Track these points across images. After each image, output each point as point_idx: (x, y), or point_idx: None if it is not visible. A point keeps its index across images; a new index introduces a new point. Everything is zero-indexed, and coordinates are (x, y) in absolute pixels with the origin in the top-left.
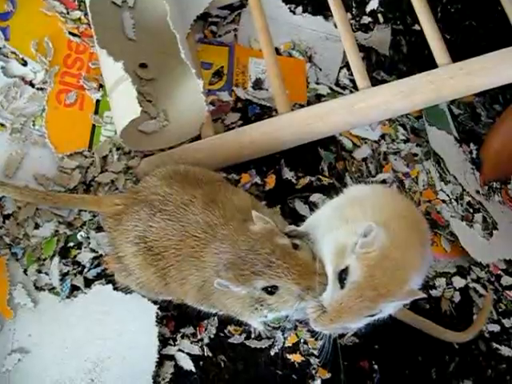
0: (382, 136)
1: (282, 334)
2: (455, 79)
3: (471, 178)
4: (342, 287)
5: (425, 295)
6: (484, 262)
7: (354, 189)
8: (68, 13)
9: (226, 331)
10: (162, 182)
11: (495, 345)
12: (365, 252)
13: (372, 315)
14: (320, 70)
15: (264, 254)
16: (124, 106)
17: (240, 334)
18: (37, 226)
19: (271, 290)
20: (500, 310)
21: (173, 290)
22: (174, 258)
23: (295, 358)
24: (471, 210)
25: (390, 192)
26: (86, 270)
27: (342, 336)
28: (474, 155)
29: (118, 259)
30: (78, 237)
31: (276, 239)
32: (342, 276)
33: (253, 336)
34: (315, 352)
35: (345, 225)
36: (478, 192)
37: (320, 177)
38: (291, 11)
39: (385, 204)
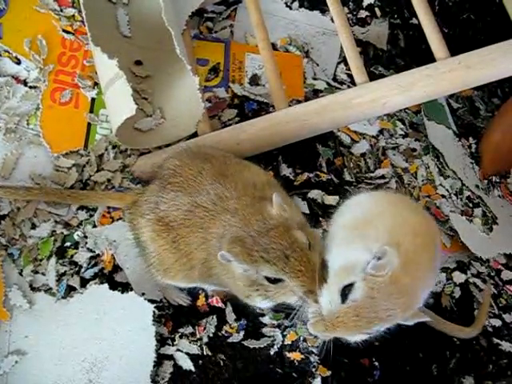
0: (381, 131)
1: (281, 333)
2: (453, 73)
3: (470, 172)
4: (343, 302)
5: (429, 318)
6: (484, 256)
7: (368, 200)
8: (62, 10)
9: (224, 330)
10: (173, 157)
11: (496, 340)
12: (374, 274)
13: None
14: (317, 65)
15: (280, 245)
16: (119, 103)
17: (238, 333)
18: (33, 227)
19: (274, 280)
20: (500, 304)
21: (182, 265)
22: (184, 230)
23: (295, 356)
24: (471, 205)
25: (406, 205)
26: (83, 269)
27: None
28: (473, 149)
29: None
30: (75, 236)
31: (294, 233)
32: (345, 291)
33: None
34: (315, 350)
35: (358, 241)
36: (477, 186)
37: (318, 173)
38: (287, 6)
39: (400, 221)
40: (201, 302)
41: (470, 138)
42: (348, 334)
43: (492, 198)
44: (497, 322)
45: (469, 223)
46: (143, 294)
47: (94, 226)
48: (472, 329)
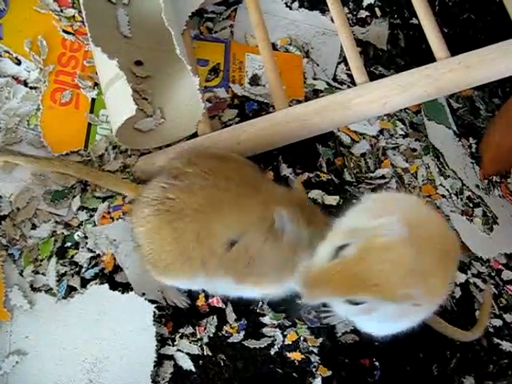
0: (381, 131)
1: (282, 333)
2: (454, 73)
3: (471, 172)
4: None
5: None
6: (485, 256)
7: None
8: (62, 11)
9: (224, 330)
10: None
11: (496, 340)
12: (374, 235)
13: (356, 303)
14: (317, 65)
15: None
16: (119, 104)
17: (239, 333)
18: (34, 227)
19: None
20: (501, 304)
21: (190, 255)
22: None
23: (295, 356)
24: (471, 205)
25: (433, 214)
26: (83, 270)
27: (343, 334)
28: (473, 149)
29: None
30: (75, 237)
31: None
32: (339, 251)
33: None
34: (315, 350)
35: (369, 213)
36: (477, 186)
37: (318, 173)
38: (287, 6)
39: (420, 216)
40: (201, 302)
41: (471, 138)
42: (330, 294)
43: (492, 198)
44: (497, 322)
45: (469, 223)
46: (143, 294)
47: (94, 226)
48: (473, 332)
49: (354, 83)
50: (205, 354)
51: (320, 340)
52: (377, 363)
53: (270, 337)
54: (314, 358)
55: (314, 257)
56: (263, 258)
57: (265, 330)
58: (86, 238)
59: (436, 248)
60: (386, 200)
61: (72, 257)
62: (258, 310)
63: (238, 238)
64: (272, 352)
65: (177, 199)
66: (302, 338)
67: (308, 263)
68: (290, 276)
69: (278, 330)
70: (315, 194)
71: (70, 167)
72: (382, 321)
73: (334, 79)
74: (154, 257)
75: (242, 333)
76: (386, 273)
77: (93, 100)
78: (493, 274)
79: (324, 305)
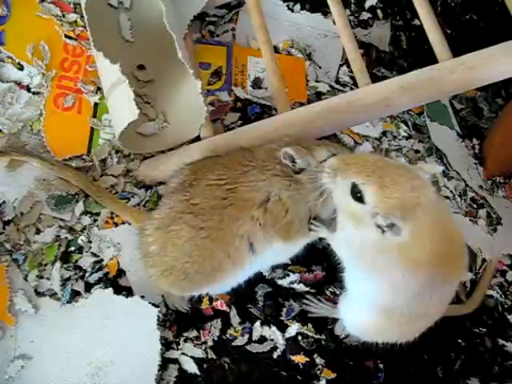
0: (384, 133)
1: (283, 336)
2: (456, 74)
3: (474, 173)
4: None
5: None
6: (489, 257)
7: None
8: (64, 16)
9: (229, 333)
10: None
11: (501, 341)
12: None
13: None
14: (320, 67)
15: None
16: (122, 108)
17: (243, 336)
18: (38, 232)
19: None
20: (506, 306)
21: (235, 245)
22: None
23: (299, 359)
24: (475, 206)
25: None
26: (87, 274)
27: (346, 336)
28: (476, 150)
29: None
30: (79, 241)
31: None
32: None
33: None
34: (319, 353)
35: None
36: (481, 187)
37: None
38: (289, 9)
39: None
40: (205, 305)
41: (474, 139)
42: (347, 177)
43: (496, 199)
44: (501, 323)
45: (473, 225)
46: (142, 297)
47: (98, 231)
48: (468, 305)
49: (356, 85)
50: (209, 357)
51: (323, 343)
52: (381, 365)
53: (272, 340)
54: (319, 361)
55: None
56: (296, 203)
57: (266, 334)
58: (89, 242)
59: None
60: None
61: (76, 261)
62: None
63: (267, 195)
64: (275, 355)
65: (201, 202)
66: (305, 341)
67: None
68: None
69: (279, 332)
70: None
71: (80, 181)
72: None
73: (337, 81)
74: (192, 267)
75: (247, 336)
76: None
77: (95, 105)
78: (497, 275)
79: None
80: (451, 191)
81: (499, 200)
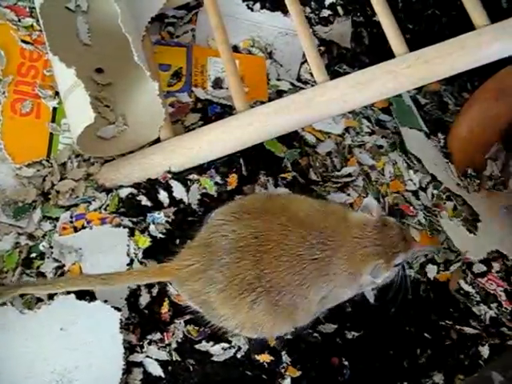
0: (346, 129)
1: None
2: (412, 68)
3: (449, 172)
4: None
5: None
6: (476, 258)
7: None
8: (19, 20)
9: (192, 335)
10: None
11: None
12: None
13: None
14: (281, 66)
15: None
16: (79, 112)
17: (208, 342)
18: None
19: None
20: (472, 298)
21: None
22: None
23: (264, 357)
24: (444, 197)
25: None
26: None
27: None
28: (441, 144)
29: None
30: (41, 247)
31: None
32: None
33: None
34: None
35: None
36: (458, 185)
37: (283, 174)
38: (249, 8)
39: None
40: (164, 309)
41: (439, 134)
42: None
43: (473, 195)
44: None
45: (456, 225)
46: (105, 301)
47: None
48: None
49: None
50: (173, 359)
51: (287, 341)
52: (346, 362)
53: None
54: (284, 359)
55: None
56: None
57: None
58: (51, 247)
59: None
60: None
61: (38, 267)
62: None
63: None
64: (239, 355)
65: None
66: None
67: None
68: None
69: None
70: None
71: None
72: None
73: (298, 79)
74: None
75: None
76: None
77: (54, 109)
78: (463, 267)
79: None
80: (415, 184)
81: (473, 195)
